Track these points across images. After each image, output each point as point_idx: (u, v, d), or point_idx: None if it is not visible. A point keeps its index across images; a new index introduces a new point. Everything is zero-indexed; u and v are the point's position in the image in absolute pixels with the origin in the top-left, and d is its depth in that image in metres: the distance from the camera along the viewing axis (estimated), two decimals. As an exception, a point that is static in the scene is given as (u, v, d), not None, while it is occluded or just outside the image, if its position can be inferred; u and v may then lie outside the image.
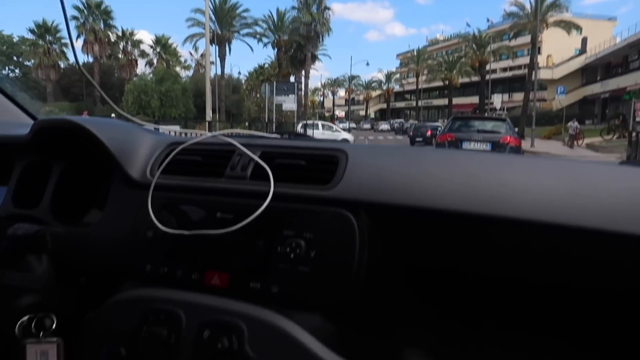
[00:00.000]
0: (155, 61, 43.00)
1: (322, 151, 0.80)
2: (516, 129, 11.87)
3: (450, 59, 43.37)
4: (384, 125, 45.06)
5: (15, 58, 41.72)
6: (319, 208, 0.72)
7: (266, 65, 39.15)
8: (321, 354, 0.66)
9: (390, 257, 0.74)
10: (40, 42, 37.77)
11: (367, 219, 0.71)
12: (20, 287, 0.77)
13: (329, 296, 0.69)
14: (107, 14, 39.37)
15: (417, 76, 50.14)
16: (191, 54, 46.66)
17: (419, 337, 0.81)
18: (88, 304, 0.89)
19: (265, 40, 37.58)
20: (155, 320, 0.73)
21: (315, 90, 68.44)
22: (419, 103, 49.57)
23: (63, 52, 38.62)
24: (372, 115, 65.72)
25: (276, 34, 37.14)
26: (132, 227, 0.82)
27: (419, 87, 49.92)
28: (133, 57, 42.56)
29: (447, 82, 42.27)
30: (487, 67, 37.61)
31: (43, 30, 37.61)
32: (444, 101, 46.32)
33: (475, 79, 40.11)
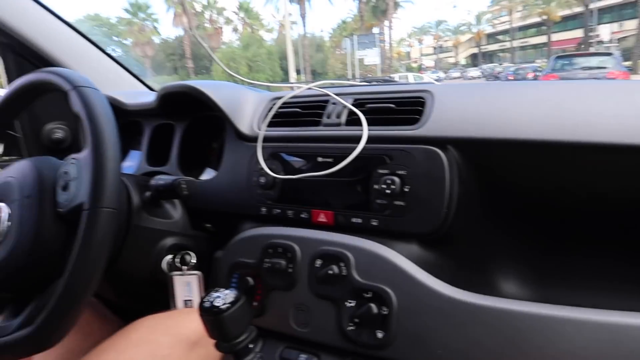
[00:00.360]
0: (239, 27, 42.89)
1: (409, 93, 0.85)
2: (628, 63, 10.80)
3: None
4: (474, 72, 41.12)
5: (115, 38, 43.12)
6: (410, 147, 0.78)
7: (349, 20, 37.90)
8: (420, 277, 0.73)
9: (479, 189, 0.78)
10: (135, 20, 39.12)
11: (455, 154, 0.76)
12: (164, 231, 0.93)
13: (424, 226, 0.76)
14: None
15: (511, 12, 44.92)
16: (273, 16, 46.13)
17: (511, 268, 0.85)
18: (216, 244, 1.04)
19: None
20: (274, 253, 0.85)
21: (401, 40, 65.50)
22: (513, 43, 45.34)
23: (155, 28, 40.02)
24: (463, 62, 61.13)
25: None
26: (246, 175, 0.94)
27: (512, 25, 44.74)
28: (218, 25, 42.78)
29: (544, 17, 37.55)
30: None
31: (136, 8, 39.09)
32: (542, 39, 41.15)
33: (577, 9, 34.46)
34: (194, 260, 0.93)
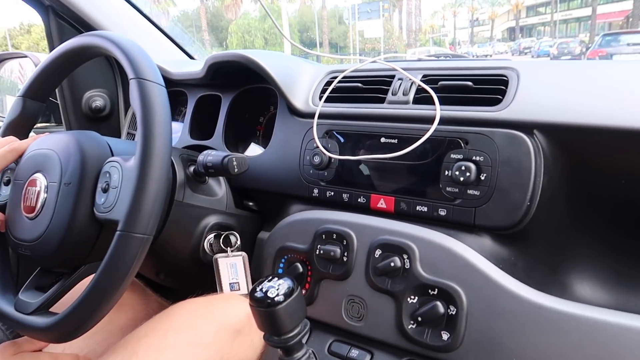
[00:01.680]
0: None
1: (489, 70, 0.76)
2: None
3: None
4: (500, 47, 37.38)
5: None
6: (490, 130, 0.69)
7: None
8: (494, 275, 0.66)
9: (563, 180, 0.70)
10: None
11: (542, 141, 0.67)
12: (207, 209, 0.88)
13: (501, 219, 0.68)
14: None
15: None
16: None
17: (587, 269, 0.77)
18: (260, 225, 0.99)
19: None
20: (328, 239, 0.79)
21: (435, 13, 62.90)
22: (554, 17, 42.48)
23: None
24: (500, 36, 58.82)
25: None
26: (298, 154, 0.87)
27: None
28: None
29: None
30: None
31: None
32: (586, 11, 36.80)
33: None
34: (238, 241, 0.88)
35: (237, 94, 1.03)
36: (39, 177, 0.72)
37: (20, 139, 0.82)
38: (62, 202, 0.68)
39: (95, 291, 0.61)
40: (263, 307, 0.63)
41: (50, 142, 0.75)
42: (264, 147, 1.05)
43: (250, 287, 0.88)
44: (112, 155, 0.76)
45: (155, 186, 0.61)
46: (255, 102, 1.06)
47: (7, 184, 0.81)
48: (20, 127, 0.82)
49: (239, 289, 0.87)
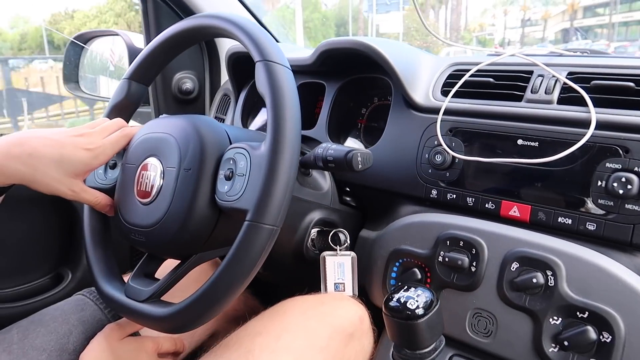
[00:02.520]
0: None
1: None
2: None
3: None
4: (550, 48, 36.01)
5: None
6: None
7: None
8: None
9: None
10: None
11: None
12: (313, 203, 0.83)
13: None
14: None
15: None
16: None
17: None
18: (362, 222, 0.94)
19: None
20: (453, 246, 0.73)
21: (485, 11, 60.56)
22: (613, 18, 39.87)
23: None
24: (552, 38, 56.03)
25: None
26: (416, 151, 0.81)
27: None
28: None
29: None
30: None
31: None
32: None
33: None
34: (348, 241, 0.83)
35: (343, 84, 0.98)
36: (153, 161, 0.70)
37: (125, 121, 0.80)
38: (182, 189, 0.65)
39: (219, 283, 0.58)
40: (402, 319, 0.58)
41: (165, 126, 0.72)
42: (364, 142, 1.00)
43: (356, 289, 0.83)
44: (230, 142, 0.72)
45: (286, 175, 0.58)
46: (359, 93, 1.00)
47: (112, 167, 0.78)
48: (124, 109, 0.80)
49: (344, 290, 0.83)
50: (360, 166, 0.73)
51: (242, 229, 0.57)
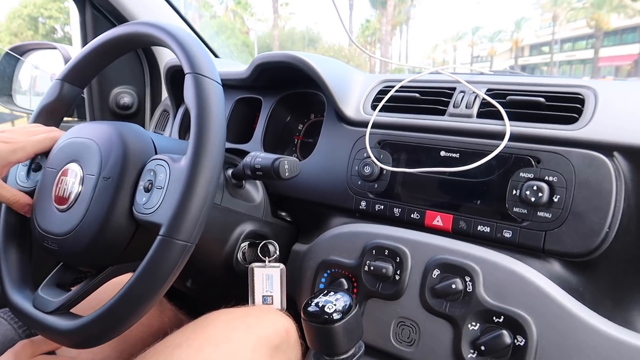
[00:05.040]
0: (221, 13, 34.87)
1: (564, 87, 0.72)
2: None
3: None
4: None
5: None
6: (565, 150, 0.65)
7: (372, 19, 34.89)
8: (569, 305, 0.61)
9: None
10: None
11: (622, 163, 0.63)
12: (244, 215, 0.82)
13: (576, 245, 0.63)
14: None
15: (555, 19, 37.34)
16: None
17: None
18: (297, 236, 0.93)
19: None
20: (379, 255, 0.74)
21: (436, 46, 61.48)
22: (557, 57, 41.69)
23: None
24: None
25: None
26: (346, 163, 0.82)
27: (557, 33, 38.09)
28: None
29: (593, 23, 30.43)
30: None
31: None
32: (592, 53, 34.41)
33: (635, 21, 28.43)
34: (277, 252, 0.83)
35: (280, 99, 0.99)
36: (74, 167, 0.67)
37: (54, 125, 0.77)
38: (99, 197, 0.63)
39: (128, 297, 0.56)
40: (318, 323, 0.58)
41: (89, 131, 0.70)
42: (300, 157, 1.01)
43: (285, 301, 0.82)
44: (156, 152, 0.71)
45: (204, 191, 0.57)
46: (296, 108, 1.01)
47: (36, 170, 0.75)
48: (54, 111, 0.78)
49: (272, 303, 0.81)
50: (287, 174, 0.73)
51: (155, 243, 0.56)
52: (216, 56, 1.41)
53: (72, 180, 0.66)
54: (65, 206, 0.65)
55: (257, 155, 0.76)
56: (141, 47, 0.75)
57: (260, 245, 0.82)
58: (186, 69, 0.62)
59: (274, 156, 0.73)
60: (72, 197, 0.65)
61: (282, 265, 0.81)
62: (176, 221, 0.55)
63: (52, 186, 0.68)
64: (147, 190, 0.63)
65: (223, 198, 0.79)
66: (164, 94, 1.34)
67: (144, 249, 0.58)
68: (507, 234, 0.67)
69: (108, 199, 0.63)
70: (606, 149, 0.63)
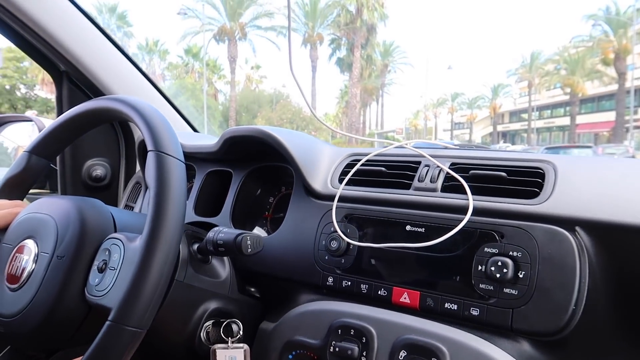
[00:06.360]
0: (186, 74, 34.15)
1: (523, 162, 0.73)
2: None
3: (572, 55, 29.47)
4: None
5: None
6: (528, 224, 0.65)
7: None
8: None
9: (609, 282, 0.64)
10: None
11: (584, 238, 0.62)
12: (209, 292, 0.79)
13: (543, 324, 0.61)
14: (122, 20, 31.38)
15: (530, 86, 37.43)
16: (240, 67, 38.62)
17: None
18: (266, 313, 0.90)
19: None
20: (345, 335, 0.71)
21: (418, 112, 58.43)
22: (536, 123, 39.70)
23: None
24: (479, 140, 57.20)
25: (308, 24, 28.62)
26: (313, 238, 0.81)
27: (534, 100, 38.70)
28: (153, 71, 33.31)
29: (567, 89, 30.29)
30: (631, 61, 23.74)
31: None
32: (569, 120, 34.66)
33: (612, 88, 26.85)
34: (241, 331, 0.79)
35: (250, 172, 0.99)
36: (29, 243, 0.66)
37: (19, 197, 0.77)
38: (51, 277, 0.61)
39: None
40: None
41: (48, 207, 0.69)
42: (271, 231, 0.99)
43: None
44: (115, 229, 0.69)
45: (157, 273, 0.55)
46: (267, 182, 1.01)
47: None
48: (20, 184, 0.77)
49: (236, 387, 0.77)
50: (249, 249, 0.72)
51: (103, 329, 0.53)
52: (195, 130, 1.42)
53: (26, 257, 0.64)
54: (16, 285, 0.63)
55: (220, 230, 0.74)
56: (109, 122, 0.76)
57: (224, 324, 0.78)
58: (149, 146, 0.62)
59: (237, 231, 0.72)
60: (25, 275, 0.63)
61: (245, 346, 0.77)
62: (126, 306, 0.53)
63: (6, 264, 0.66)
64: (100, 270, 0.61)
65: (187, 274, 0.77)
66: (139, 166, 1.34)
67: (96, 334, 0.55)
68: (475, 312, 0.65)
69: (60, 279, 0.61)
70: (567, 223, 0.63)
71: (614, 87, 26.55)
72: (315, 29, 29.17)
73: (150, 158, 0.61)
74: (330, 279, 0.78)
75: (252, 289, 0.92)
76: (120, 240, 0.61)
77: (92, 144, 1.27)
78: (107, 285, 0.58)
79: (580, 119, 33.30)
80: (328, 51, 33.76)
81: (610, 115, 27.92)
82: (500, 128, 48.87)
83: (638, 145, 22.22)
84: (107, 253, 0.61)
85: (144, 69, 1.30)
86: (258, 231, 1.01)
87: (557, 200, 0.65)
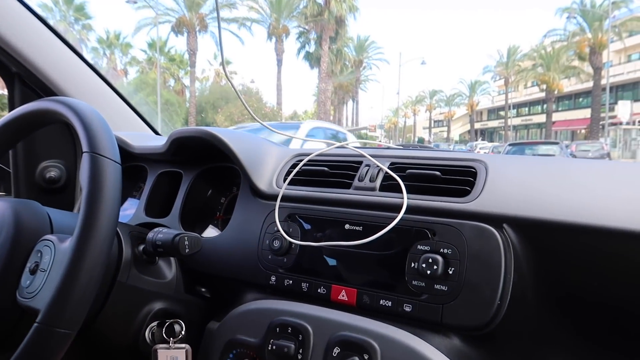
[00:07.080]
0: (150, 69, 31.36)
1: (457, 161, 0.75)
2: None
3: (548, 51, 29.13)
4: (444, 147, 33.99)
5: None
6: (458, 222, 0.67)
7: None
8: None
9: (536, 277, 0.67)
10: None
11: (511, 235, 0.64)
12: (153, 292, 0.80)
13: (471, 319, 0.63)
14: (80, 11, 28.80)
15: (507, 83, 37.24)
16: (210, 63, 37.97)
17: None
18: (211, 313, 0.90)
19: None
20: (282, 333, 0.72)
21: (397, 110, 56.74)
22: (513, 121, 39.83)
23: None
24: (457, 138, 53.86)
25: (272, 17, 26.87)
26: (258, 237, 0.82)
27: (512, 98, 38.70)
28: (115, 65, 30.97)
29: (543, 86, 29.86)
30: (606, 58, 23.79)
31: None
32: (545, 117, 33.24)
33: (588, 85, 27.11)
34: (183, 332, 0.79)
35: (200, 173, 0.99)
36: None
37: None
38: None
39: None
40: None
41: None
42: (221, 231, 1.00)
43: None
44: (52, 230, 0.69)
45: (87, 275, 0.54)
46: (218, 182, 1.02)
47: None
48: None
49: (179, 387, 0.77)
50: (187, 250, 0.72)
51: (30, 331, 0.53)
52: (157, 133, 1.41)
53: None
54: None
55: (159, 230, 0.75)
56: (51, 124, 0.74)
57: (166, 325, 0.79)
58: (83, 148, 0.61)
59: (175, 232, 0.72)
60: None
61: (187, 346, 0.78)
62: (54, 307, 0.53)
63: None
64: (32, 272, 0.60)
65: (130, 275, 0.77)
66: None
67: None
68: (407, 308, 0.67)
69: None
70: (495, 221, 0.65)
71: (590, 84, 26.64)
72: (281, 21, 27.76)
73: (84, 159, 0.61)
74: (273, 278, 0.79)
75: (203, 289, 0.92)
76: (51, 241, 0.61)
77: (46, 145, 1.25)
78: (37, 287, 0.58)
79: (557, 116, 33.47)
80: (297, 45, 32.77)
81: (587, 113, 27.85)
82: (478, 126, 48.97)
83: (613, 142, 22.60)
84: (39, 255, 0.61)
85: (104, 64, 1.28)
86: (212, 231, 1.01)
87: (486, 198, 0.67)
